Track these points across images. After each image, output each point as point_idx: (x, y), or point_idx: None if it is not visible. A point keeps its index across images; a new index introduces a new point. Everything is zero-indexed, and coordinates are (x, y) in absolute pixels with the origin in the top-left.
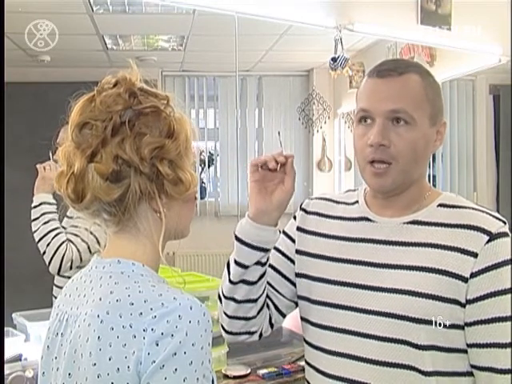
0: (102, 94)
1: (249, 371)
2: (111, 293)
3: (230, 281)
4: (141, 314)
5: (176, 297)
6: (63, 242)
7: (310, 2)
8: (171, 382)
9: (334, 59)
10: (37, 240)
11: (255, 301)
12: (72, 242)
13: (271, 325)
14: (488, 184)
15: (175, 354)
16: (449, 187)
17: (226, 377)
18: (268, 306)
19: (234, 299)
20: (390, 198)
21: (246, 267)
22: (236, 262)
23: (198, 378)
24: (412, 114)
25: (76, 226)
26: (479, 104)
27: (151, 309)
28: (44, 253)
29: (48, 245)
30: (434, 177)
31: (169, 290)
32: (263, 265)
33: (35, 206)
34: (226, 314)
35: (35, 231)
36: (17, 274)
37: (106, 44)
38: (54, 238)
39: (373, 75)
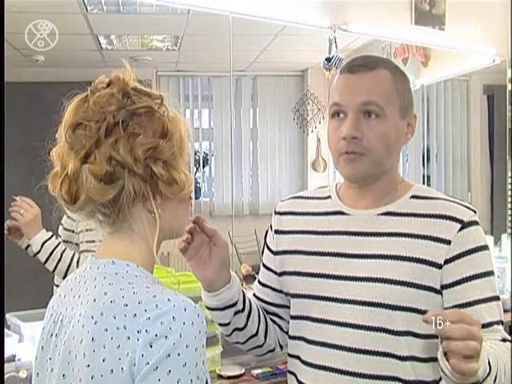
0: (95, 95)
1: (243, 371)
2: (105, 294)
3: (225, 334)
4: (135, 315)
5: (170, 298)
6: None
7: (304, 2)
8: (165, 383)
9: (328, 59)
10: (62, 277)
11: (256, 335)
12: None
13: (286, 333)
14: (482, 184)
15: (169, 355)
16: (443, 187)
17: (221, 377)
18: (274, 322)
19: (238, 342)
20: (363, 189)
21: (228, 324)
22: (219, 324)
23: (191, 380)
24: (383, 107)
25: (93, 242)
26: (473, 104)
27: (145, 310)
28: (65, 276)
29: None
30: (428, 177)
31: (163, 291)
32: (243, 310)
33: (39, 251)
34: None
35: (54, 270)
36: (11, 275)
37: (100, 44)
38: (77, 266)
39: (344, 71)
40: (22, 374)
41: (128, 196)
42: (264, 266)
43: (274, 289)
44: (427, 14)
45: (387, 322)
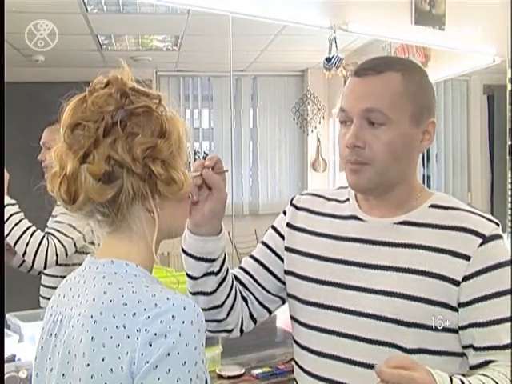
0: (93, 95)
1: (243, 371)
2: (105, 293)
3: (189, 291)
4: (134, 314)
5: (169, 297)
6: (43, 238)
7: (304, 2)
8: (164, 382)
9: (328, 59)
10: (13, 243)
11: (220, 306)
12: (54, 236)
13: (253, 320)
14: (482, 184)
15: (168, 354)
16: (443, 187)
17: (221, 377)
18: (246, 302)
19: None
20: (378, 198)
21: (195, 278)
22: (186, 274)
23: (191, 379)
24: (388, 114)
25: (59, 222)
26: (473, 104)
27: (145, 309)
28: (24, 253)
29: (27, 245)
30: (428, 177)
31: (162, 291)
32: (217, 273)
33: None
34: None
35: (8, 235)
36: (11, 275)
37: (100, 44)
38: (31, 236)
39: (353, 74)
40: (22, 374)
41: (127, 195)
42: (264, 243)
43: (265, 266)
44: (427, 14)
45: (399, 338)
